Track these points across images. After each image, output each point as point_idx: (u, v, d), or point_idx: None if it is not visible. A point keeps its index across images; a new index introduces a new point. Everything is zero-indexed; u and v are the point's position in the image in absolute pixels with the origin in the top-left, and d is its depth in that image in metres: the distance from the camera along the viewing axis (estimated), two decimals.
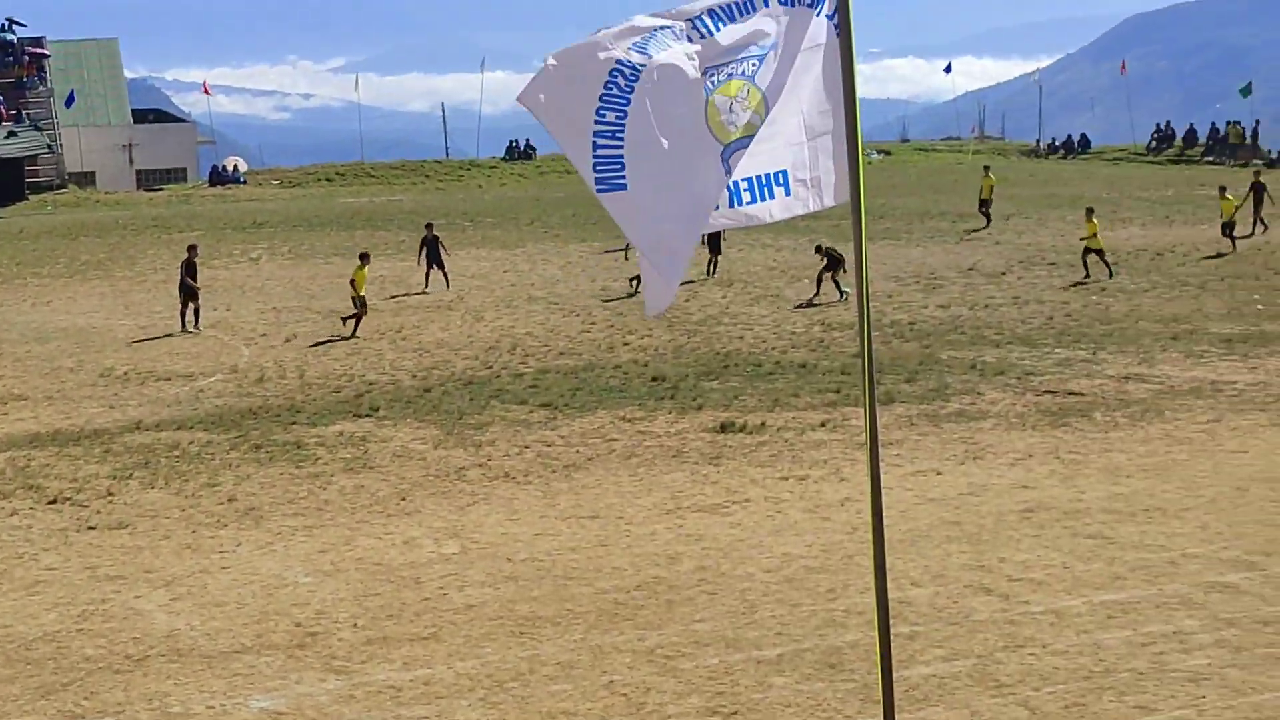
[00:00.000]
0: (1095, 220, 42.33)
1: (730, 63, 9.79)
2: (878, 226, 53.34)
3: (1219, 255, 45.17)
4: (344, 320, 36.68)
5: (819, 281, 39.23)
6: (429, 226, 45.54)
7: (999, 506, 19.82)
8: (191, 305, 38.08)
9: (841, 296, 38.50)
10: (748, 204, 9.80)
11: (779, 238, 50.96)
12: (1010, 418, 25.21)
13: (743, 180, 9.76)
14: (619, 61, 9.65)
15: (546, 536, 19.25)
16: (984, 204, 55.55)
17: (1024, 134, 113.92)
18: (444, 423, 26.18)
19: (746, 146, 9.70)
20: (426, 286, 43.28)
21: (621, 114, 9.65)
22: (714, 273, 43.90)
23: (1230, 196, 47.24)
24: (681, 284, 9.96)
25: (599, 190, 9.74)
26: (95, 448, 25.12)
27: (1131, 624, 15.24)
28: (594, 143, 9.69)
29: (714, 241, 44.40)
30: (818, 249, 40.46)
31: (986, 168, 60.70)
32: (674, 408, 26.79)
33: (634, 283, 40.54)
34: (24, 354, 35.13)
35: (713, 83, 9.70)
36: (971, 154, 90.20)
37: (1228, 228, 46.58)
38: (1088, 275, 40.95)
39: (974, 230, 54.27)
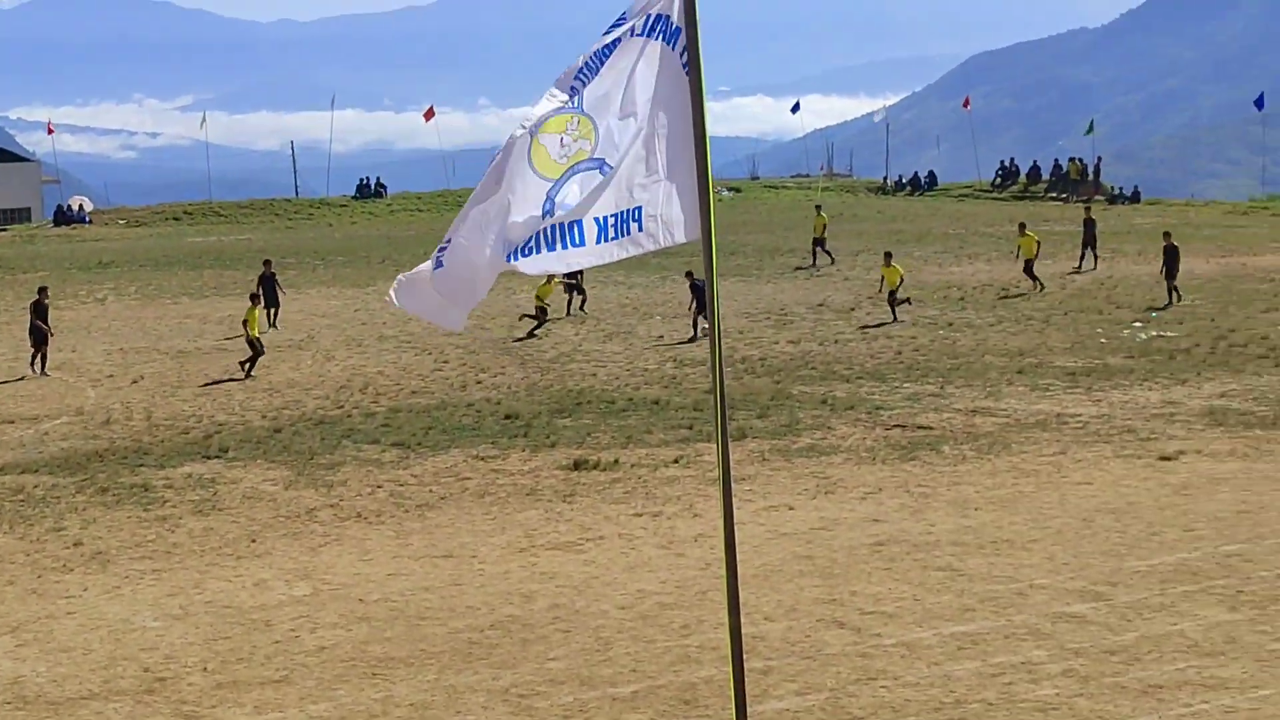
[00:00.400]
0: (895, 265, 42.51)
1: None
2: (728, 263, 53.67)
3: (1050, 288, 45.94)
4: (241, 364, 35.85)
5: (695, 324, 39.13)
6: (267, 263, 45.33)
7: (850, 540, 19.99)
8: (41, 348, 37.39)
9: (696, 335, 38.53)
10: (611, 240, 9.82)
11: (631, 275, 51.11)
12: (861, 452, 25.45)
13: (610, 216, 9.78)
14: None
15: (399, 577, 19.14)
16: (818, 243, 55.88)
17: (872, 171, 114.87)
18: (295, 463, 25.94)
19: (577, 174, 9.67)
20: (273, 323, 42.93)
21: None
22: (571, 312, 43.80)
23: (1031, 233, 47.60)
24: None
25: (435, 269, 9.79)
26: None
27: (981, 655, 15.43)
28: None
29: (576, 281, 44.35)
30: (688, 274, 40.67)
31: (819, 207, 61.20)
32: (527, 446, 26.76)
33: (537, 317, 40.68)
34: None
35: (532, 131, 9.70)
36: (820, 191, 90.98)
37: (1029, 266, 46.86)
38: (909, 300, 41.61)
39: (803, 267, 54.70)
